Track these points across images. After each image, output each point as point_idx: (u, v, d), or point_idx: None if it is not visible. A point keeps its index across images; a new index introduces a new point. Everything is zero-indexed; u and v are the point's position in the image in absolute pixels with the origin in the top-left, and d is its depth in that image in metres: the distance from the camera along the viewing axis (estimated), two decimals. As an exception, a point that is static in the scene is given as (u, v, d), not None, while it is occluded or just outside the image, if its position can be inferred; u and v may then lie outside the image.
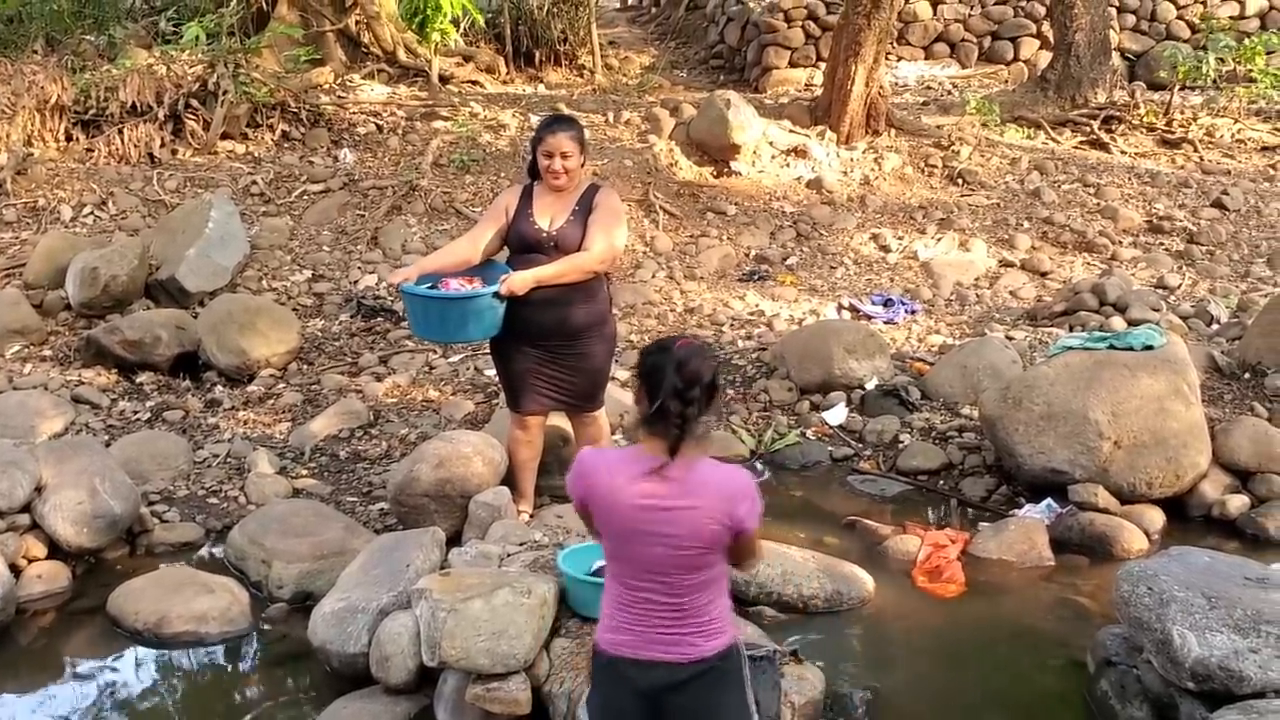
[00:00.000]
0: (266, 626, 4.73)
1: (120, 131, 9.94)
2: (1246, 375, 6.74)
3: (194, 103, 10.31)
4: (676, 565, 2.78)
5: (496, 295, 4.68)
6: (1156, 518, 5.58)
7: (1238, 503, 5.65)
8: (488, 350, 5.10)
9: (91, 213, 9.18)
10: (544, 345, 4.87)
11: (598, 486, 2.79)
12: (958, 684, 4.37)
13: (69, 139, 10.01)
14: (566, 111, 10.46)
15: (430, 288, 4.84)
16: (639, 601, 2.82)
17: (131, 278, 7.82)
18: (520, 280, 4.67)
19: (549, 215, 4.82)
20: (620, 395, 6.69)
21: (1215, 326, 8.12)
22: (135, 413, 6.78)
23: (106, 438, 6.35)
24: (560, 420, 5.42)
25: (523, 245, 4.86)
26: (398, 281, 4.82)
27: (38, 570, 4.96)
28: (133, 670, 4.46)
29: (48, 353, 7.49)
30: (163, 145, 10.07)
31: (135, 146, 9.92)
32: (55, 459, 5.24)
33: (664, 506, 2.75)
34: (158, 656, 4.54)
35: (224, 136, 10.37)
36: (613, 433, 6.07)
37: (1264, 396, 6.51)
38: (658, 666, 2.81)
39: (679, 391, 2.72)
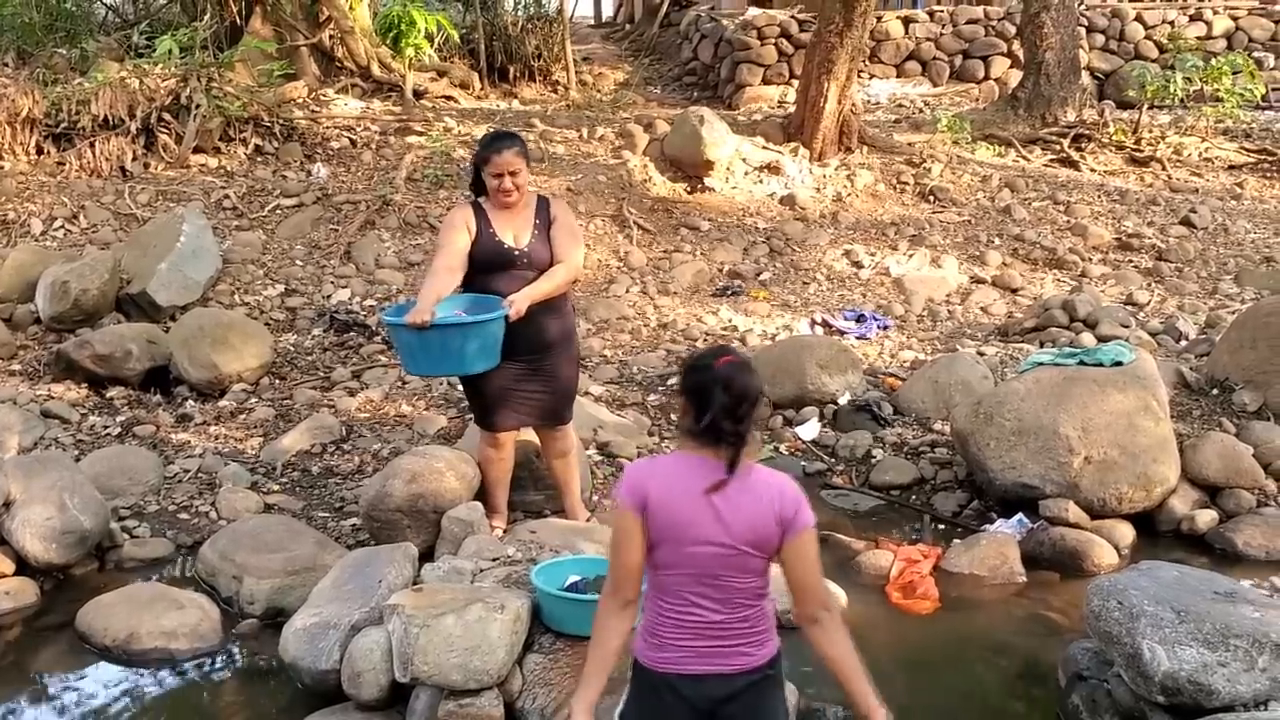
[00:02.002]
0: (237, 643, 4.69)
1: (92, 145, 9.89)
2: (1215, 391, 6.81)
3: (166, 116, 10.28)
4: (728, 567, 2.78)
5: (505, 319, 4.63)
6: (1126, 533, 5.63)
7: (1206, 518, 5.70)
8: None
9: (62, 226, 9.12)
10: (520, 361, 4.86)
11: (655, 494, 2.77)
12: (930, 699, 4.38)
13: (40, 152, 9.96)
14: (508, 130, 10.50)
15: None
16: (689, 613, 2.81)
17: (102, 292, 7.76)
18: (523, 301, 4.64)
19: (511, 232, 4.83)
20: (594, 410, 6.70)
21: (1184, 343, 8.21)
22: (105, 428, 6.73)
23: (76, 453, 6.30)
24: (529, 435, 5.42)
25: (490, 264, 4.83)
26: (422, 319, 4.47)
27: (5, 586, 4.91)
28: (101, 687, 4.41)
29: (17, 367, 7.42)
30: (135, 159, 10.03)
31: (107, 160, 9.88)
32: (24, 474, 5.19)
33: (720, 508, 2.76)
34: (127, 673, 4.49)
35: (196, 150, 10.34)
36: (585, 447, 6.07)
37: (1232, 412, 6.58)
38: (711, 679, 2.80)
39: (729, 410, 2.72)
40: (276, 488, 6.08)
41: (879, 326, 8.72)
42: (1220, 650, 3.63)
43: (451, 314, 4.72)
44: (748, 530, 2.77)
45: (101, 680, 4.45)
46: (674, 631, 2.82)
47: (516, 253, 4.80)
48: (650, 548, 2.79)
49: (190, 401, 7.11)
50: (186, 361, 7.18)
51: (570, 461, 5.18)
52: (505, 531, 5.11)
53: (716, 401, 2.72)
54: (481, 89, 14.19)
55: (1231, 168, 12.44)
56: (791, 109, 12.45)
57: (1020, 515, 5.73)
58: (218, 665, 4.57)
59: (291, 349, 7.90)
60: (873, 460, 6.51)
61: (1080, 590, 4.29)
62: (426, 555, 4.86)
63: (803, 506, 2.82)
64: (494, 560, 4.45)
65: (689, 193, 10.81)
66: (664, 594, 2.84)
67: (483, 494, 5.21)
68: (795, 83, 13.24)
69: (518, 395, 4.93)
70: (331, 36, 13.20)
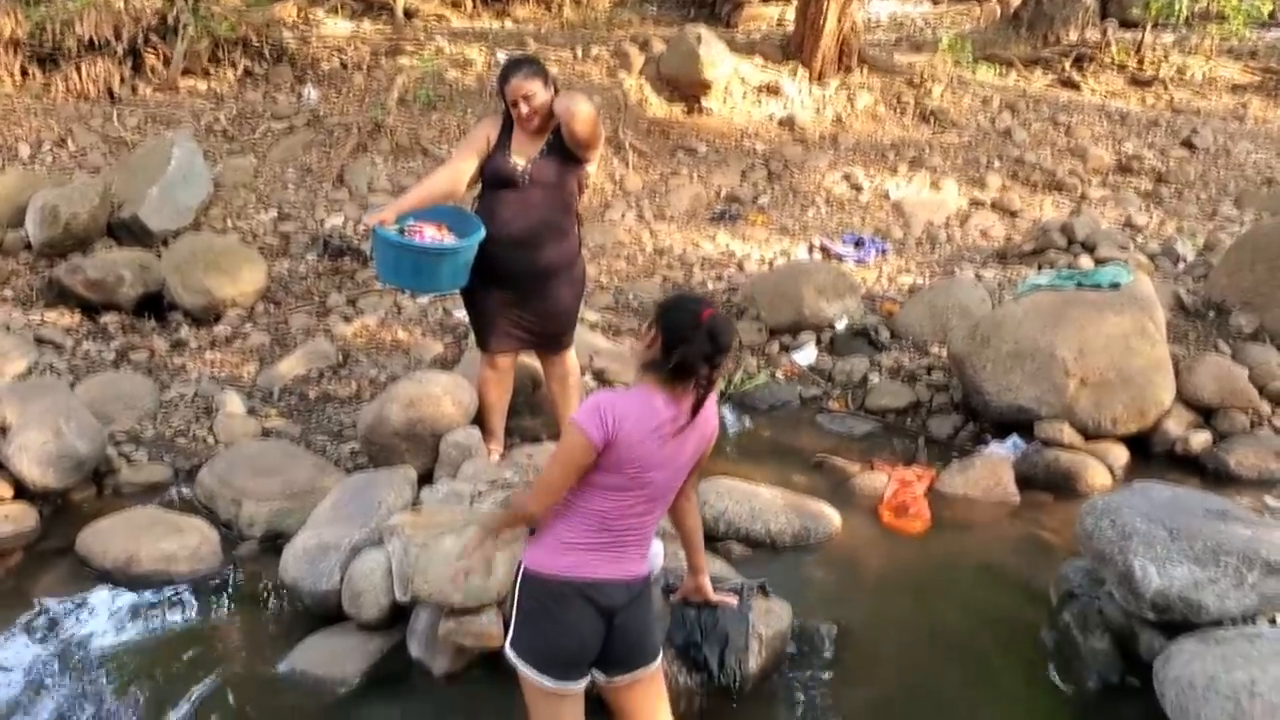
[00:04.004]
0: (237, 565, 4.73)
1: (78, 67, 9.72)
2: (1211, 314, 6.81)
3: (154, 38, 10.09)
4: (672, 488, 3.03)
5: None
6: (1121, 454, 5.66)
7: (1201, 439, 5.73)
8: (457, 292, 5.05)
9: (50, 150, 9.01)
10: (514, 286, 4.84)
11: (626, 434, 2.85)
12: (923, 617, 4.43)
13: (25, 75, 9.79)
14: (524, 54, 10.32)
15: (400, 231, 4.74)
16: (625, 529, 2.96)
17: (93, 216, 7.69)
18: (559, 101, 4.62)
19: (525, 154, 4.78)
20: (589, 337, 6.69)
21: (1182, 265, 8.19)
22: (100, 353, 6.71)
23: (71, 379, 6.29)
24: (531, 360, 5.42)
25: (493, 180, 4.81)
26: (373, 224, 4.64)
27: (4, 511, 4.93)
28: (102, 609, 4.45)
29: (9, 293, 7.37)
30: (122, 82, 9.87)
31: (94, 83, 9.72)
32: (19, 399, 5.20)
33: (680, 437, 2.93)
34: (128, 596, 4.53)
35: (185, 73, 10.18)
36: (582, 373, 6.07)
37: (1228, 335, 6.58)
38: (614, 585, 2.97)
39: (709, 358, 2.86)
40: (274, 413, 6.09)
41: (877, 251, 8.68)
42: (1211, 567, 3.66)
43: (429, 234, 4.75)
44: (694, 455, 3.03)
45: (101, 603, 4.49)
46: (598, 542, 2.95)
47: (519, 172, 4.75)
48: (599, 471, 2.90)
49: (185, 327, 7.09)
50: (180, 287, 7.15)
51: (569, 387, 5.18)
52: (502, 456, 5.13)
53: (699, 348, 2.85)
54: (474, 8, 13.93)
55: (1235, 88, 12.30)
56: (791, 28, 12.25)
57: (1015, 437, 5.76)
58: (218, 587, 4.61)
59: (286, 274, 7.85)
60: (869, 384, 6.52)
61: (1073, 511, 4.32)
62: (425, 478, 4.88)
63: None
64: (491, 483, 4.47)
65: (686, 114, 10.68)
66: (606, 514, 2.94)
67: (480, 419, 5.22)
68: (795, 1, 13.01)
69: (514, 319, 4.91)
70: (321, -45, 12.93)
